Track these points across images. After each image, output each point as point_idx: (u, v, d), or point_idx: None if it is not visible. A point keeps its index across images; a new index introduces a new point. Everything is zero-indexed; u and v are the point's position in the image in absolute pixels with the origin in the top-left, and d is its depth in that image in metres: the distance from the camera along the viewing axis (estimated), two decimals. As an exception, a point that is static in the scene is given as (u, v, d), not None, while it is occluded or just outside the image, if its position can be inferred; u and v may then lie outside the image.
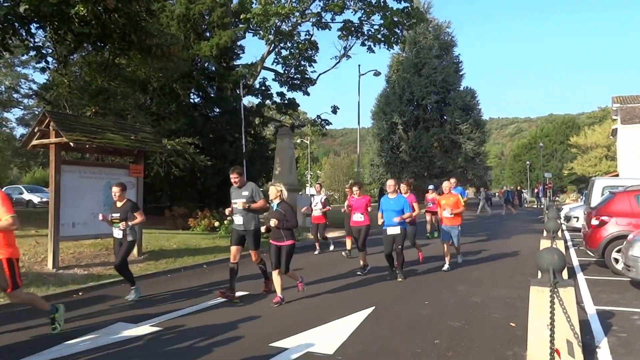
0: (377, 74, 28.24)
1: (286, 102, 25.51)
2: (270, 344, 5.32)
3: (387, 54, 49.22)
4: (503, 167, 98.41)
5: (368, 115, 46.04)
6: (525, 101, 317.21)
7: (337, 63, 25.29)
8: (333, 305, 7.10)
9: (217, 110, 21.33)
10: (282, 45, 24.00)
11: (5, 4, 9.26)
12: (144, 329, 5.94)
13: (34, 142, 9.16)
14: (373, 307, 6.89)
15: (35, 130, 9.05)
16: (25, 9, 9.06)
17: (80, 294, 7.81)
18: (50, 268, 8.70)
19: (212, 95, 20.80)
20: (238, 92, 20.21)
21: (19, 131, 42.46)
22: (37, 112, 40.21)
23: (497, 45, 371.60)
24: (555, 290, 4.12)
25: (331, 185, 52.28)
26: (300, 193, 18.18)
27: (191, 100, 20.30)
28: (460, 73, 43.70)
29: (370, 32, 22.77)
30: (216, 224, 14.84)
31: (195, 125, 17.84)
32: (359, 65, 30.08)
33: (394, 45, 23.10)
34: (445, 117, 42.46)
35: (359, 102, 26.64)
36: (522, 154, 78.64)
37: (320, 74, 26.18)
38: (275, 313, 6.69)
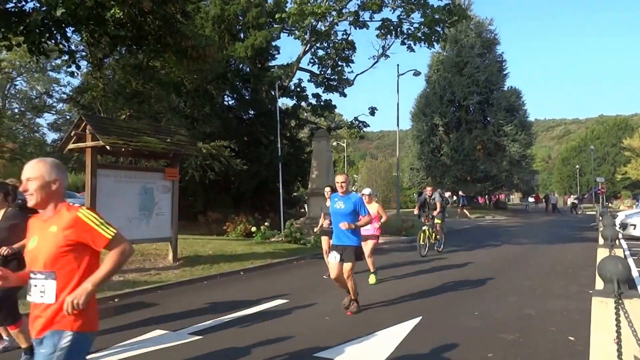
0: (416, 73, 27.54)
1: (322, 103, 25.12)
2: (314, 355, 5.03)
3: (427, 53, 48.25)
4: (550, 171, 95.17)
5: (407, 117, 45.14)
6: (573, 101, 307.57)
7: (375, 63, 24.72)
8: (378, 315, 6.72)
9: (252, 112, 21.12)
10: (318, 45, 23.61)
11: (42, 9, 9.23)
12: (183, 337, 5.70)
13: (71, 145, 9.06)
14: (420, 317, 6.49)
15: (72, 134, 8.95)
16: (62, 13, 8.99)
17: (116, 300, 7.68)
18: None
19: (247, 97, 20.62)
20: (273, 93, 19.95)
21: (51, 136, 43.67)
22: (68, 117, 41.36)
23: (542, 44, 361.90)
24: (621, 301, 3.68)
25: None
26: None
27: (225, 103, 20.18)
28: (504, 72, 42.43)
29: (409, 31, 22.10)
30: (253, 229, 14.57)
31: (230, 128, 17.67)
32: (398, 65, 29.49)
33: (434, 43, 22.34)
34: (488, 119, 41.23)
35: (397, 103, 26.15)
36: (571, 157, 75.92)
37: (357, 75, 25.74)
38: (318, 322, 6.34)
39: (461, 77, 40.29)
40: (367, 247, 8.54)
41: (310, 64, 24.74)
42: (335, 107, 25.86)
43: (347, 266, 6.51)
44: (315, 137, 17.36)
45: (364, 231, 8.20)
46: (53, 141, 40.92)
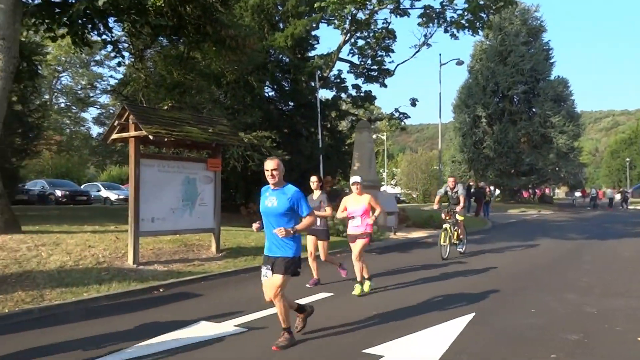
0: (459, 63, 26.82)
1: (362, 94, 24.71)
2: (363, 351, 4.77)
3: (469, 43, 47.16)
4: (598, 164, 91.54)
5: (448, 109, 44.22)
6: (621, 92, 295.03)
7: (417, 52, 24.11)
8: (428, 310, 6.41)
9: (292, 103, 20.91)
10: (358, 34, 23.16)
11: (84, -1, 9.26)
12: (228, 328, 5.57)
13: (114, 135, 9.06)
14: (473, 314, 6.14)
15: (115, 124, 8.93)
16: (104, 3, 8.99)
17: (161, 290, 7.61)
18: (131, 264, 8.54)
19: (287, 88, 20.41)
20: (313, 84, 19.68)
21: (95, 130, 44.91)
22: (112, 112, 42.48)
23: (589, 31, 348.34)
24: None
25: (408, 183, 50.69)
26: (381, 190, 17.33)
27: (265, 94, 20.03)
28: (551, 61, 40.81)
29: (452, 18, 21.42)
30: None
31: (271, 119, 17.52)
32: (440, 55, 28.80)
33: (479, 30, 21.59)
34: (534, 109, 39.85)
35: (440, 93, 25.60)
36: (620, 150, 72.73)
37: (398, 65, 25.16)
38: (365, 317, 6.05)
39: (505, 66, 39.01)
40: (355, 248, 7.31)
41: (350, 54, 24.37)
42: (375, 98, 25.39)
43: (273, 281, 4.90)
44: (356, 128, 17.01)
45: (353, 229, 7.36)
46: (98, 135, 42.29)
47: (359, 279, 7.37)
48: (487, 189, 27.29)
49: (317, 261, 8.32)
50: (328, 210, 8.07)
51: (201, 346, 4.96)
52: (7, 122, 9.77)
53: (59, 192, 22.97)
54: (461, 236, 11.50)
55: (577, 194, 50.47)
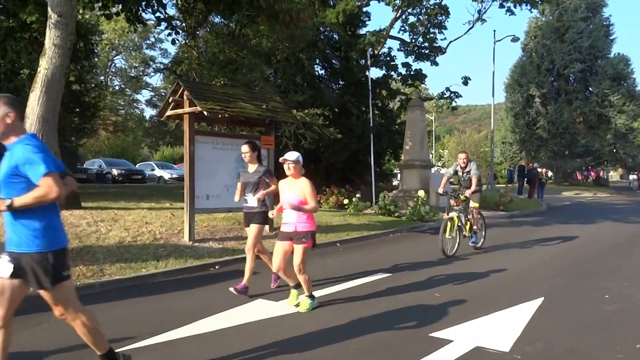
0: (515, 39, 25.71)
1: (412, 73, 24.06)
2: (431, 334, 4.54)
3: (523, 20, 45.11)
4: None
5: (498, 88, 42.57)
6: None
7: (471, 28, 23.24)
8: (493, 293, 6.08)
9: (341, 82, 20.56)
10: (409, 11, 22.47)
11: (140, -25, 9.23)
12: (287, 308, 5.42)
13: (169, 112, 9.02)
14: (542, 298, 5.78)
15: (170, 100, 8.89)
16: (159, -22, 8.94)
17: (217, 267, 7.58)
18: (187, 240, 8.54)
19: (336, 66, 20.05)
20: (364, 62, 19.23)
21: (148, 112, 46.08)
22: (163, 94, 43.39)
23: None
24: None
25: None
26: (432, 170, 16.84)
27: (315, 72, 19.75)
28: (611, 37, 38.50)
29: (510, -9, 20.43)
30: (345, 201, 14.18)
31: (321, 98, 17.24)
32: (494, 31, 27.65)
33: (538, 4, 20.51)
34: (590, 88, 37.81)
35: (493, 71, 24.57)
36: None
37: (450, 42, 24.26)
38: (428, 299, 5.81)
39: (562, 43, 37.10)
40: (296, 255, 5.29)
41: (401, 32, 23.74)
42: (426, 76, 24.68)
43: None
44: (409, 106, 16.53)
45: (285, 226, 5.40)
46: (151, 117, 43.51)
47: (306, 291, 5.41)
48: (543, 171, 26.25)
49: (266, 255, 6.42)
50: (273, 187, 6.13)
51: (260, 325, 4.85)
52: (65, 101, 9.91)
53: (115, 171, 23.75)
54: (475, 227, 9.12)
55: (632, 176, 47.88)
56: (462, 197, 8.74)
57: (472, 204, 9.04)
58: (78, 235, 7.95)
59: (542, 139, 38.00)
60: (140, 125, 42.36)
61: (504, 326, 4.76)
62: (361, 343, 4.31)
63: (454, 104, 25.26)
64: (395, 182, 25.84)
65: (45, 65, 8.70)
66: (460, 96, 25.14)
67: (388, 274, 7.12)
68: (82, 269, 6.72)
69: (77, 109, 13.27)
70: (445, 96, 25.04)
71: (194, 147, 8.60)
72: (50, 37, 8.72)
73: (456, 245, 8.67)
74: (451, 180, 10.07)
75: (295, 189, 5.35)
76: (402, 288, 6.34)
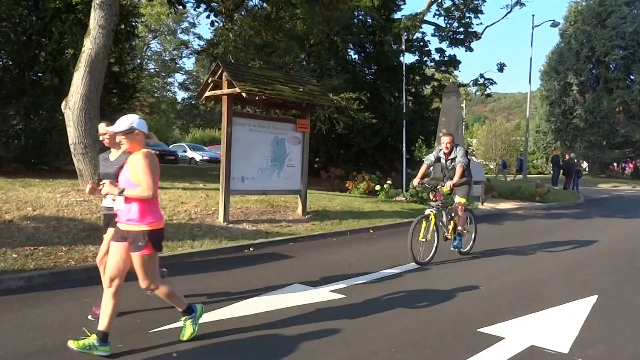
0: (555, 24, 25.00)
1: (446, 59, 23.58)
2: (479, 330, 4.39)
3: (563, 4, 43.68)
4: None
5: (533, 76, 41.41)
6: None
7: (509, 13, 22.59)
8: (544, 289, 5.88)
9: (375, 67, 20.30)
10: (445, -6, 21.98)
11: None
12: (324, 293, 5.39)
13: (207, 93, 9.05)
14: (596, 296, 5.56)
15: (209, 81, 8.91)
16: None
17: (251, 249, 7.62)
18: (221, 221, 8.62)
19: (370, 50, 19.80)
20: (398, 47, 18.93)
21: (180, 95, 46.87)
22: (196, 77, 43.97)
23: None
24: None
25: (487, 153, 48.62)
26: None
27: (349, 57, 19.55)
28: (657, 23, 36.97)
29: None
30: (376, 187, 14.07)
31: (355, 83, 17.08)
32: (533, 16, 26.89)
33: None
34: (633, 76, 36.47)
35: (531, 58, 24.03)
36: None
37: (487, 27, 23.68)
38: (472, 292, 5.68)
39: (603, 29, 35.84)
40: (135, 268, 3.80)
41: (436, 16, 23.20)
42: (460, 62, 24.09)
43: None
44: (444, 92, 16.24)
45: (113, 217, 3.96)
46: (183, 100, 44.27)
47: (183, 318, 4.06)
48: (580, 161, 25.56)
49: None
50: None
51: (300, 310, 4.83)
52: (105, 82, 10.07)
53: (150, 151, 24.17)
54: (460, 228, 7.42)
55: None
56: (444, 189, 7.08)
57: (458, 199, 7.37)
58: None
59: (579, 129, 37.02)
60: (173, 107, 43.21)
61: (558, 325, 4.57)
62: (405, 335, 4.21)
63: (488, 91, 24.69)
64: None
65: (89, 45, 8.83)
66: (495, 83, 24.59)
67: (429, 266, 7.01)
68: (122, 246, 6.84)
69: (116, 90, 13.50)
70: (479, 83, 24.48)
71: (231, 129, 8.62)
72: (95, 18, 8.84)
73: (432, 250, 6.98)
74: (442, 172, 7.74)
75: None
76: (443, 279, 6.24)
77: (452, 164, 7.22)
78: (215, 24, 12.05)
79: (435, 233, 7.05)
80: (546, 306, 5.11)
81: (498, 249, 8.37)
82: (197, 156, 27.24)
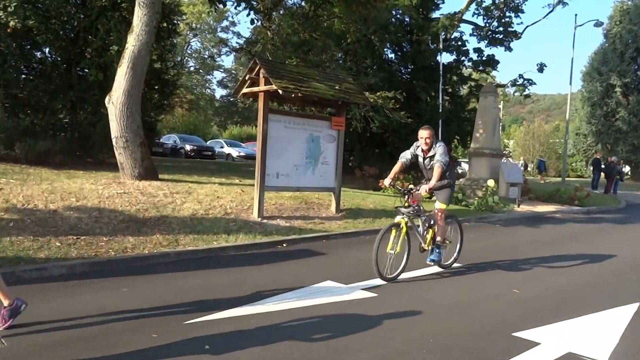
0: (598, 24, 24.22)
1: (484, 58, 23.18)
2: (514, 334, 4.32)
3: (608, 3, 42.30)
4: None
5: (574, 77, 40.25)
6: None
7: (550, 12, 22.06)
8: (582, 294, 5.75)
9: (411, 66, 20.15)
10: (485, -7, 21.62)
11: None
12: (356, 292, 5.40)
13: (244, 90, 9.18)
14: (637, 304, 5.37)
15: (246, 78, 9.04)
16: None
17: (284, 245, 7.70)
18: (256, 217, 8.74)
19: (407, 49, 19.65)
20: (435, 46, 18.74)
21: (219, 92, 47.75)
22: (234, 75, 44.66)
23: None
24: None
25: (523, 155, 47.68)
26: (503, 160, 16.26)
27: (385, 56, 19.46)
28: None
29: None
30: (410, 186, 13.97)
31: (391, 82, 17.00)
32: (576, 15, 26.18)
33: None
34: (680, 78, 35.11)
35: (572, 58, 23.33)
36: None
37: (527, 26, 23.17)
38: (507, 295, 5.59)
39: (651, 29, 34.58)
40: None
41: (475, 15, 22.84)
42: (498, 62, 23.70)
43: None
44: (481, 93, 15.96)
45: None
46: (221, 97, 45.14)
47: None
48: (621, 164, 24.74)
49: None
50: None
51: (332, 307, 4.84)
52: (147, 78, 10.35)
53: (188, 147, 24.82)
54: (439, 239, 6.31)
55: None
56: (423, 193, 6.00)
57: (438, 205, 6.35)
58: (156, 205, 8.32)
59: (621, 131, 35.85)
60: (211, 104, 44.09)
61: (597, 332, 4.44)
62: (437, 337, 4.17)
63: (527, 91, 24.16)
64: (460, 170, 25.24)
65: (132, 42, 9.09)
66: (534, 84, 24.00)
67: (459, 264, 6.94)
68: (159, 238, 7.04)
69: (157, 86, 13.85)
70: (518, 83, 23.97)
71: (267, 125, 8.73)
72: (138, 16, 9.10)
73: (402, 263, 5.99)
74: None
75: None
76: (476, 280, 6.18)
77: (432, 162, 6.12)
78: (255, 22, 12.24)
79: (407, 244, 6.01)
80: (584, 312, 4.99)
81: (535, 252, 8.20)
82: (234, 152, 27.64)
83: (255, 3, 12.12)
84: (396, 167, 6.35)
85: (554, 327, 4.53)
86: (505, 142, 64.76)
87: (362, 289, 5.48)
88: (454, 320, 4.64)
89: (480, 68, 23.63)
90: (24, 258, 5.69)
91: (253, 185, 9.31)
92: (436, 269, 6.55)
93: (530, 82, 23.80)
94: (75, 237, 6.53)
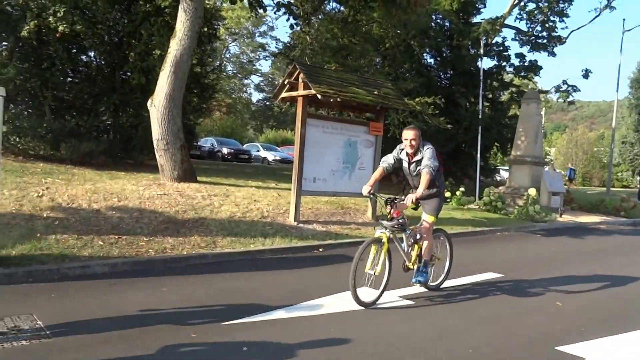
0: (649, 28, 23.27)
1: (526, 64, 22.64)
2: (557, 348, 4.18)
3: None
4: None
5: (621, 83, 38.75)
6: None
7: (597, 16, 21.38)
8: (629, 309, 5.53)
9: (451, 71, 19.87)
10: (528, -4, 21.11)
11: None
12: (393, 298, 5.34)
13: (283, 94, 9.22)
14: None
15: (285, 82, 9.08)
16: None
17: (320, 250, 7.68)
18: (292, 221, 8.74)
19: (447, 54, 19.40)
20: (475, 51, 18.42)
21: (255, 96, 48.38)
22: (271, 79, 45.18)
23: None
24: None
25: (566, 163, 46.27)
26: (546, 168, 15.80)
27: (424, 61, 19.26)
28: None
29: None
30: (447, 194, 13.74)
31: (429, 87, 16.79)
32: (624, 20, 25.32)
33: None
34: None
35: (619, 64, 22.43)
36: None
37: (572, 31, 22.53)
38: (549, 306, 5.41)
39: None
40: None
41: (517, 20, 22.34)
42: (541, 68, 23.04)
43: None
44: (523, 99, 15.58)
45: None
46: (258, 101, 45.77)
47: None
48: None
49: None
50: None
51: (367, 315, 4.79)
52: (187, 82, 10.51)
53: (225, 150, 25.16)
54: (425, 258, 5.55)
55: None
56: (409, 204, 5.12)
57: (425, 217, 5.52)
58: (194, 207, 8.43)
59: (671, 141, 34.38)
60: (248, 108, 44.71)
61: None
62: (477, 347, 4.07)
63: (570, 98, 23.45)
64: (498, 178, 24.72)
65: (175, 47, 9.28)
66: (579, 90, 23.30)
67: (499, 275, 6.78)
68: (197, 239, 7.13)
69: (197, 90, 14.10)
70: (561, 89, 23.30)
71: (305, 130, 8.73)
72: (182, 21, 9.28)
73: (382, 285, 5.18)
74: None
75: None
76: (517, 292, 5.99)
77: (418, 168, 5.26)
78: (294, 27, 12.30)
79: (387, 263, 5.22)
80: (632, 328, 4.78)
81: (578, 264, 7.92)
82: (270, 156, 27.87)
83: (295, 8, 12.23)
84: (376, 174, 5.52)
85: (599, 342, 4.37)
86: (547, 149, 63.11)
87: (400, 296, 5.42)
88: (494, 331, 4.53)
89: (522, 74, 23.05)
90: (69, 255, 5.86)
91: (289, 189, 9.33)
92: (475, 276, 6.40)
93: (575, 88, 23.11)
94: (116, 237, 6.68)
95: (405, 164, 5.42)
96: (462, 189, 13.74)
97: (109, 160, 12.40)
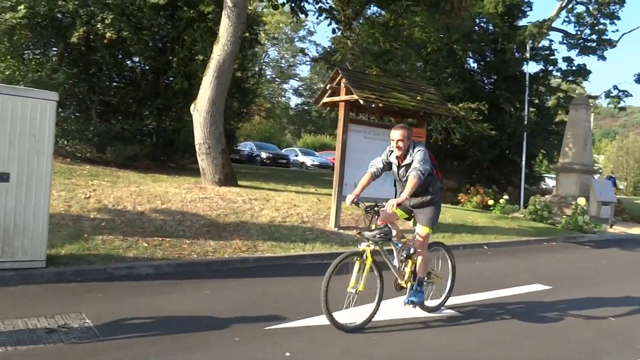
0: None
1: (574, 68, 21.92)
2: None
3: None
4: None
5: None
6: None
7: (652, 19, 20.41)
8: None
9: (495, 76, 19.44)
10: (577, 0, 20.47)
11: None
12: (437, 310, 5.16)
13: (325, 99, 9.19)
14: None
15: (327, 87, 9.05)
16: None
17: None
18: (332, 226, 8.68)
19: (490, 59, 18.98)
20: (521, 55, 17.95)
21: (293, 101, 48.68)
22: (309, 84, 45.39)
23: None
24: None
25: (616, 172, 44.55)
26: (596, 176, 15.23)
27: (467, 65, 18.91)
28: None
29: None
30: (490, 202, 13.41)
31: (473, 92, 16.47)
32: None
33: None
34: None
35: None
36: None
37: (624, 34, 21.70)
38: (604, 323, 5.14)
39: None
40: None
41: (565, 23, 21.70)
42: (590, 72, 22.30)
43: None
44: (572, 105, 15.06)
45: None
46: (296, 105, 46.07)
47: None
48: None
49: None
50: None
51: (408, 324, 4.69)
52: (229, 87, 10.59)
53: (264, 154, 25.35)
54: (420, 275, 4.86)
55: None
56: (389, 209, 4.44)
57: (419, 229, 4.86)
58: (235, 211, 8.48)
59: None
60: (286, 112, 45.02)
61: None
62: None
63: (622, 103, 22.57)
64: (543, 186, 24.00)
65: (218, 52, 9.39)
66: (631, 95, 22.49)
67: (546, 287, 6.51)
68: (238, 243, 7.15)
69: (238, 95, 14.25)
70: (612, 95, 22.46)
71: (347, 135, 8.67)
72: (225, 26, 9.39)
73: (372, 306, 4.62)
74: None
75: None
76: (566, 304, 5.73)
77: (403, 172, 4.71)
78: (336, 32, 12.33)
79: (378, 280, 4.60)
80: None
81: (632, 277, 7.54)
82: (308, 161, 27.92)
83: (336, 13, 12.24)
84: (364, 180, 4.97)
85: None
86: (595, 157, 61.00)
87: (445, 306, 5.25)
88: (543, 346, 4.35)
89: (570, 78, 22.37)
90: (115, 256, 5.97)
91: (328, 194, 9.27)
92: (523, 287, 6.18)
93: (626, 93, 22.25)
94: (160, 239, 6.77)
95: (394, 168, 4.84)
96: (505, 196, 13.38)
97: (151, 164, 12.65)
